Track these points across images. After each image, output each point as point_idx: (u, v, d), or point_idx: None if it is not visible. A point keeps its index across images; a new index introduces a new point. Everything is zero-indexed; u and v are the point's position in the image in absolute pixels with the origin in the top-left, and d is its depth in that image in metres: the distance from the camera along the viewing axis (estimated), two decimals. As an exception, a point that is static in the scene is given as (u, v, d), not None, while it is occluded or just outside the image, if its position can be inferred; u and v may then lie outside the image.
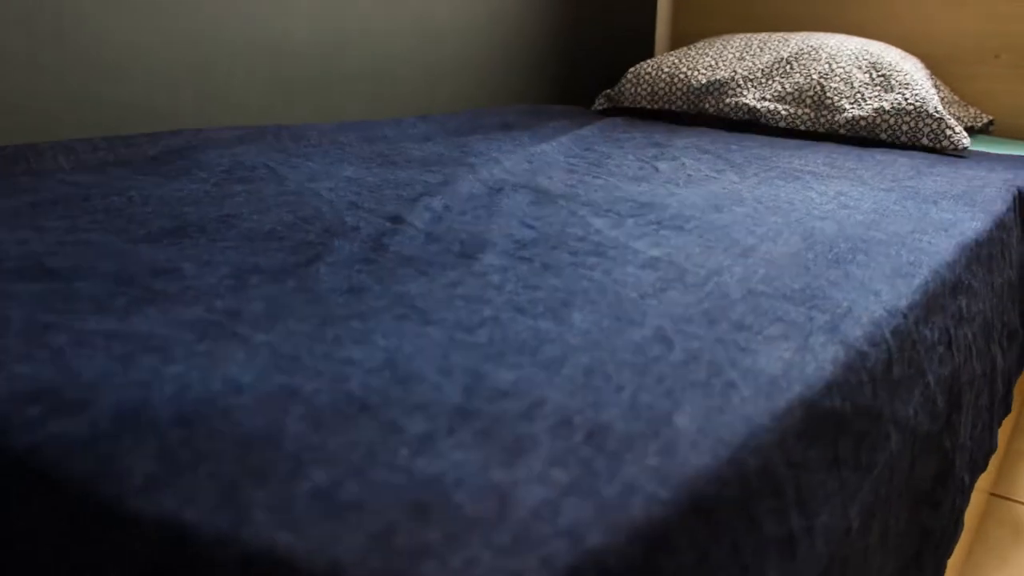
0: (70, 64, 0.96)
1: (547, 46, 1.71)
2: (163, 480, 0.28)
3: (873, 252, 0.67)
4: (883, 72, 1.45)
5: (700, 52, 1.63)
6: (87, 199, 0.70)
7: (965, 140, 1.34)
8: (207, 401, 0.34)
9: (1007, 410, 0.89)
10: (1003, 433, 1.22)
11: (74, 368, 0.37)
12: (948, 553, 0.61)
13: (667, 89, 1.58)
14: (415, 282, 0.51)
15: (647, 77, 1.61)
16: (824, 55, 1.51)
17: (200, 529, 0.25)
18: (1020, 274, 1.01)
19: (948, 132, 1.33)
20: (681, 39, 2.07)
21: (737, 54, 1.59)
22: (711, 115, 1.54)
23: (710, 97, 1.52)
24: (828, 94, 1.44)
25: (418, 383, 0.36)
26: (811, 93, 1.46)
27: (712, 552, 0.28)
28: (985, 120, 1.62)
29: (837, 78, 1.46)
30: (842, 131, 1.41)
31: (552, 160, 0.99)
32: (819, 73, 1.47)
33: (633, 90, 1.61)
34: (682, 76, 1.57)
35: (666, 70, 1.60)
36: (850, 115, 1.40)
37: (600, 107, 1.67)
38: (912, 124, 1.36)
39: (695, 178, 0.96)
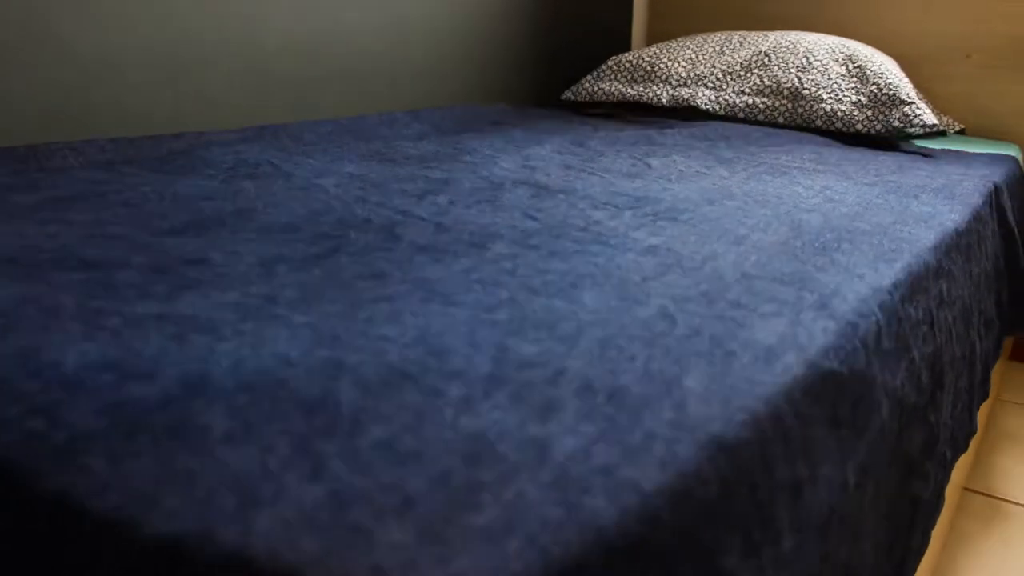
0: (46, 68, 0.97)
1: (523, 45, 1.75)
2: (241, 435, 0.32)
3: (857, 241, 0.72)
4: (859, 64, 1.51)
5: (680, 46, 1.68)
6: (103, 195, 0.74)
7: (932, 119, 1.38)
8: (263, 373, 0.38)
9: (985, 395, 0.95)
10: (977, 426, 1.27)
11: (134, 346, 0.41)
12: (932, 525, 0.66)
13: (646, 78, 1.62)
14: (432, 268, 0.55)
15: (627, 66, 1.65)
16: (802, 49, 1.56)
17: (284, 475, 0.30)
18: (995, 265, 1.07)
19: (918, 113, 1.37)
20: (658, 38, 2.13)
21: (717, 48, 1.65)
22: (688, 109, 1.58)
23: (688, 90, 1.57)
24: (806, 86, 1.49)
25: (451, 355, 0.41)
26: (788, 86, 1.51)
27: (733, 489, 0.32)
28: (957, 128, 1.68)
29: (814, 70, 1.51)
30: (818, 123, 1.46)
31: (547, 157, 1.03)
32: (796, 67, 1.53)
33: (612, 76, 1.65)
34: (662, 67, 1.62)
35: (647, 59, 1.65)
36: (828, 108, 1.46)
37: (574, 96, 1.68)
38: (887, 113, 1.42)
39: (686, 174, 1.01)
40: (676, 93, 1.58)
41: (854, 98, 1.45)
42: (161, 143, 0.97)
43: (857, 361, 0.47)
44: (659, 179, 0.96)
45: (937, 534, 1.03)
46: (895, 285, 0.60)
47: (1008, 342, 1.65)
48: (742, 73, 1.57)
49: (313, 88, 1.30)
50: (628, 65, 1.66)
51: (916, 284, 0.65)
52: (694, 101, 1.56)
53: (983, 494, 1.27)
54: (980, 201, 1.03)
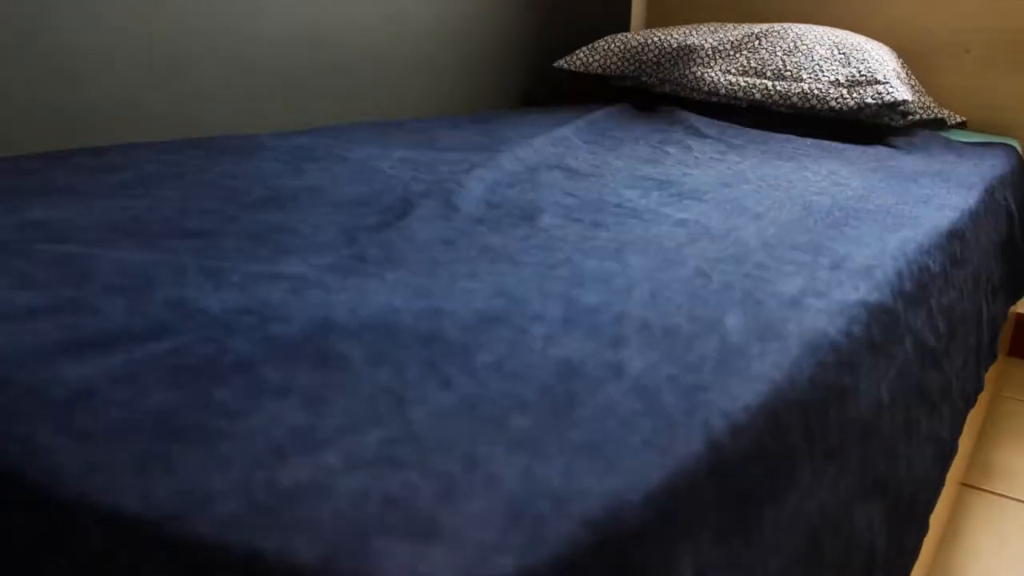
0: (36, 69, 0.96)
1: (519, 43, 1.77)
2: (377, 360, 0.40)
3: (864, 219, 0.80)
4: (844, 50, 1.54)
5: (674, 28, 1.74)
6: (180, 175, 0.82)
7: (903, 95, 1.40)
8: (376, 317, 0.46)
9: (993, 357, 1.03)
10: (973, 423, 1.29)
11: (260, 296, 0.49)
12: (948, 467, 0.74)
13: (639, 51, 1.66)
14: (493, 236, 0.63)
15: (621, 39, 1.70)
16: (792, 34, 1.61)
17: (422, 386, 0.38)
18: (994, 241, 1.15)
19: (890, 91, 1.40)
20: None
21: (710, 29, 1.70)
22: (677, 85, 1.62)
23: (679, 65, 1.61)
24: (788, 67, 1.53)
25: (527, 303, 0.49)
26: (772, 66, 1.54)
27: (783, 384, 0.40)
28: (957, 120, 1.74)
29: (800, 53, 1.54)
30: (794, 100, 1.48)
31: (573, 144, 1.11)
32: (783, 50, 1.57)
33: (606, 48, 1.70)
34: (655, 40, 1.67)
35: (641, 35, 1.71)
36: (806, 87, 1.47)
37: (567, 65, 1.71)
38: (861, 91, 1.43)
39: (702, 160, 1.09)
40: (668, 69, 1.62)
41: (832, 78, 1.48)
42: (214, 139, 1.05)
43: (885, 298, 0.55)
44: (678, 164, 1.04)
45: (935, 529, 1.05)
46: (908, 241, 0.68)
47: (1005, 341, 1.69)
48: (731, 52, 1.61)
49: (310, 85, 1.31)
50: (622, 40, 1.70)
51: (930, 244, 0.73)
52: (681, 80, 1.60)
53: (981, 489, 1.28)
54: (976, 184, 1.12)
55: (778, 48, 1.57)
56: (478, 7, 1.64)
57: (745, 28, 1.67)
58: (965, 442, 1.22)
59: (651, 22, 2.17)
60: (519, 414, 0.35)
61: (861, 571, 0.46)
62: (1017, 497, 1.27)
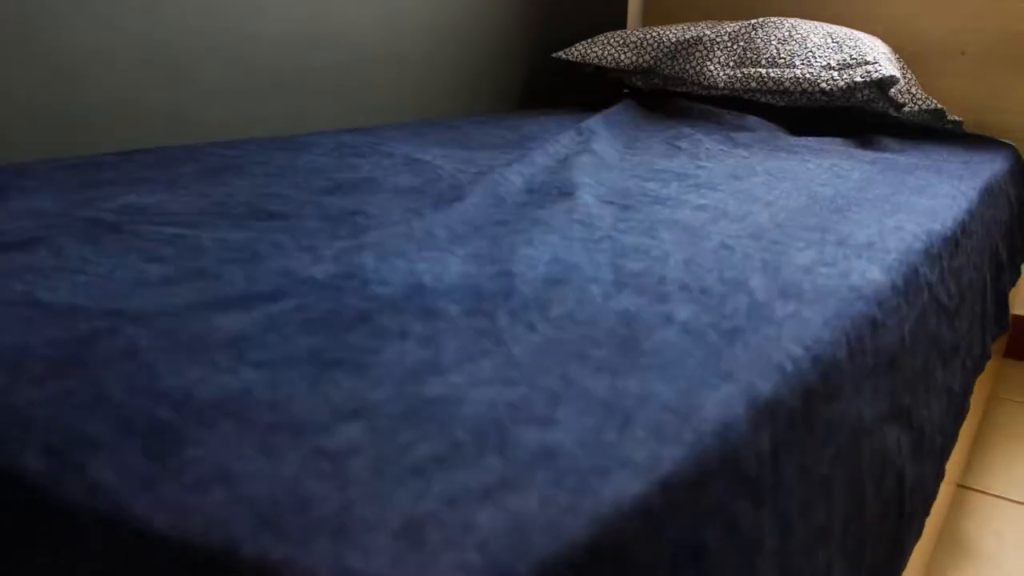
0: (36, 70, 0.99)
1: (518, 43, 1.82)
2: (471, 312, 0.50)
3: (865, 206, 0.90)
4: (837, 39, 1.61)
5: (672, 25, 1.83)
6: (243, 167, 0.91)
7: (889, 71, 1.46)
8: (459, 280, 0.56)
9: (1001, 328, 1.12)
10: (970, 424, 1.33)
11: (355, 264, 0.58)
12: (960, 424, 0.83)
13: (638, 44, 1.74)
14: (539, 214, 0.73)
15: (620, 34, 1.77)
16: (787, 24, 1.70)
17: (512, 330, 0.47)
18: (991, 230, 1.25)
19: (878, 68, 1.46)
20: None
21: (708, 24, 1.79)
22: (676, 79, 1.70)
23: (678, 58, 1.69)
24: (782, 54, 1.59)
25: (581, 269, 0.58)
26: (767, 55, 1.61)
27: (813, 320, 0.50)
28: (954, 118, 1.81)
29: (794, 42, 1.61)
30: (787, 85, 1.54)
31: (594, 141, 1.21)
32: (778, 38, 1.66)
33: (605, 41, 1.76)
34: (654, 35, 1.75)
35: (640, 31, 1.79)
36: (798, 72, 1.54)
37: (566, 56, 1.77)
38: (851, 72, 1.50)
39: (713, 154, 1.19)
40: (664, 65, 1.71)
41: (824, 63, 1.55)
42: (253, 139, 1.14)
43: (903, 256, 0.66)
44: (691, 159, 1.14)
45: (932, 531, 1.08)
46: (911, 220, 0.78)
47: (1002, 343, 1.74)
48: (728, 43, 1.69)
49: (310, 85, 1.35)
50: (622, 34, 1.78)
51: (935, 215, 0.83)
52: (680, 73, 1.69)
53: (978, 491, 1.31)
54: (967, 175, 1.22)
55: (773, 37, 1.64)
56: (476, 6, 1.68)
57: (742, 22, 1.76)
58: (962, 443, 1.27)
59: (648, 22, 2.27)
60: (596, 349, 0.45)
61: (894, 491, 0.56)
62: (1014, 498, 1.29)
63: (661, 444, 0.35)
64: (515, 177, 0.88)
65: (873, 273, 0.62)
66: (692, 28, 1.75)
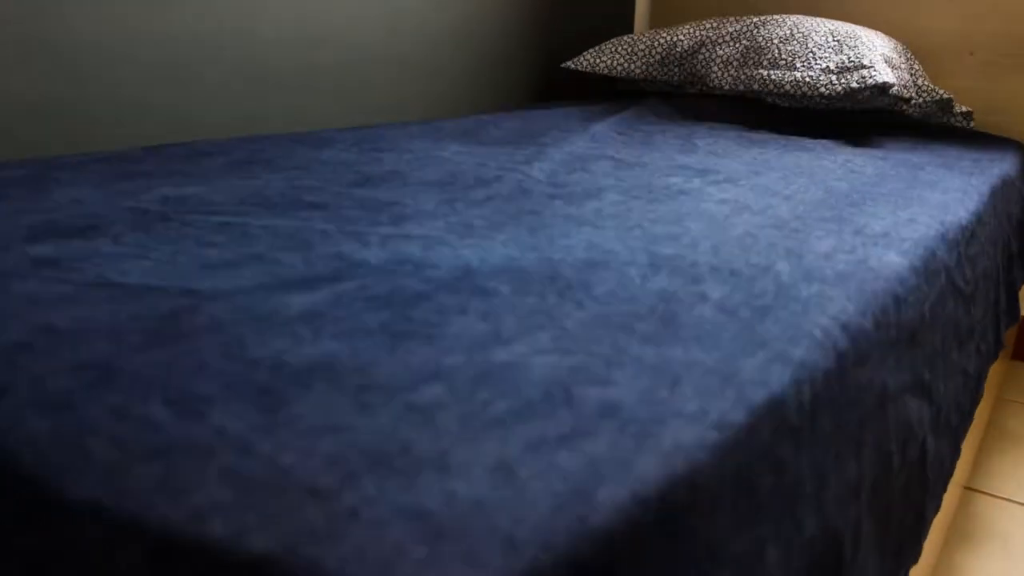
0: (40, 70, 1.03)
1: (522, 43, 1.87)
2: (520, 292, 0.56)
3: (880, 199, 0.97)
4: (839, 38, 1.66)
5: (679, 27, 1.89)
6: (270, 160, 0.98)
7: (886, 77, 1.51)
8: (504, 263, 0.62)
9: (1012, 319, 1.19)
10: (976, 428, 1.39)
11: (402, 251, 0.65)
12: (978, 401, 0.89)
13: (646, 52, 1.81)
14: (569, 208, 0.79)
15: (627, 41, 1.84)
16: (790, 22, 1.76)
17: (562, 307, 0.54)
18: (1002, 224, 1.33)
19: (873, 75, 1.52)
20: None
21: (713, 24, 1.85)
22: (683, 84, 1.77)
23: (684, 64, 1.76)
24: (783, 55, 1.65)
25: (618, 254, 0.65)
26: (769, 55, 1.66)
27: (835, 297, 0.57)
28: (964, 109, 1.83)
29: (795, 40, 1.67)
30: (787, 87, 1.61)
31: (610, 138, 1.28)
32: (780, 37, 1.71)
33: (612, 49, 1.82)
34: (661, 40, 1.82)
35: (646, 35, 1.86)
36: (799, 75, 1.60)
37: (575, 66, 1.83)
38: (848, 77, 1.55)
39: (730, 151, 1.26)
40: (671, 72, 1.78)
41: (823, 65, 1.60)
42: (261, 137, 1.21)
43: (921, 240, 0.73)
44: (709, 155, 1.20)
45: (937, 533, 1.12)
46: (927, 211, 0.85)
47: (1010, 341, 1.80)
48: (730, 42, 1.75)
49: (313, 85, 1.40)
50: (628, 41, 1.85)
51: (951, 204, 0.90)
52: (688, 78, 1.76)
53: (984, 493, 1.35)
54: (976, 172, 1.29)
55: (775, 36, 1.69)
56: (480, 7, 1.74)
57: (745, 20, 1.82)
58: (968, 445, 1.32)
59: (655, 19, 2.33)
60: (639, 323, 0.51)
61: (917, 461, 0.62)
62: (1020, 500, 1.32)
63: (710, 399, 0.42)
64: (538, 173, 0.95)
65: (890, 257, 0.69)
66: (698, 30, 1.82)
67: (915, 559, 0.69)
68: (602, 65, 1.82)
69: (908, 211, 0.90)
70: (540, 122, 1.41)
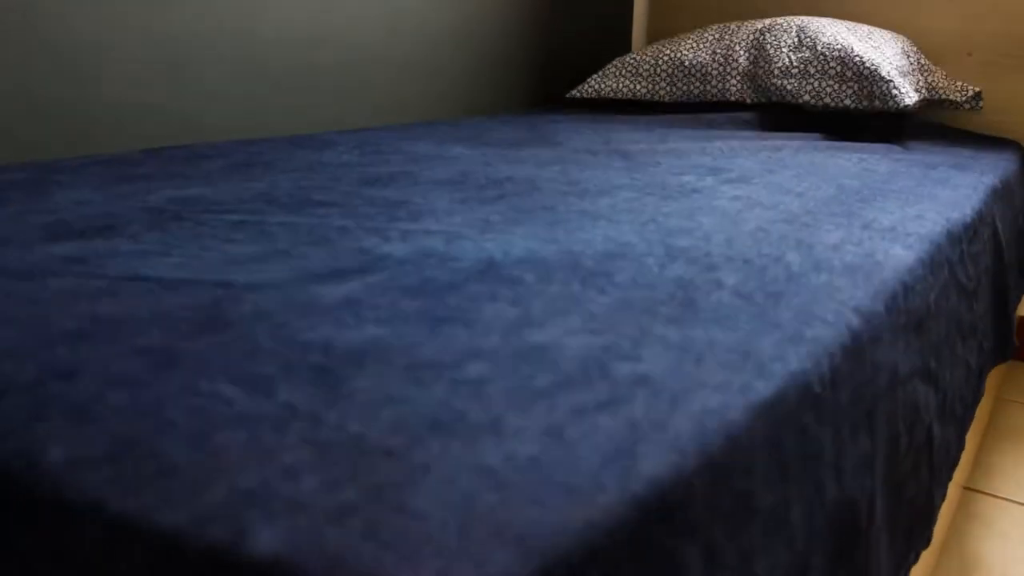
0: (40, 71, 1.09)
1: (521, 46, 1.97)
2: (545, 280, 0.64)
3: (890, 196, 1.06)
4: (847, 43, 1.76)
5: (680, 39, 1.99)
6: (270, 163, 1.05)
7: (907, 100, 1.61)
8: (525, 255, 0.70)
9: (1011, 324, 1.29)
10: (976, 428, 1.48)
11: (425, 245, 0.72)
12: (977, 397, 0.98)
13: (651, 72, 1.91)
14: (584, 203, 0.87)
15: (631, 63, 1.95)
16: (795, 26, 1.85)
17: (586, 293, 0.61)
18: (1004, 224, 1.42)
19: (895, 93, 1.62)
20: (658, 37, 2.44)
21: (716, 36, 1.94)
22: (691, 98, 1.87)
23: (691, 82, 1.86)
24: (795, 64, 1.75)
25: (635, 246, 0.73)
26: (779, 64, 1.76)
27: (843, 286, 0.65)
28: (972, 92, 1.92)
29: (805, 48, 1.77)
30: (806, 98, 1.72)
31: (621, 137, 1.36)
32: (788, 46, 1.78)
33: (617, 74, 1.93)
34: (666, 55, 1.92)
35: (648, 53, 1.95)
36: (817, 85, 1.71)
37: (580, 94, 1.94)
38: (868, 89, 1.65)
39: (747, 148, 1.35)
40: (679, 89, 1.88)
41: (838, 73, 1.70)
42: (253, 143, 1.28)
43: (927, 235, 0.81)
44: (723, 155, 1.29)
45: (937, 532, 1.17)
46: (933, 207, 0.94)
47: None
48: (741, 52, 1.84)
49: (313, 85, 1.47)
50: (632, 62, 1.95)
51: (956, 203, 0.98)
52: (696, 94, 1.86)
53: (984, 493, 1.41)
54: (988, 171, 1.38)
55: (783, 44, 1.80)
56: (480, 8, 1.83)
57: (749, 26, 1.91)
58: (968, 446, 1.40)
59: (653, 19, 2.43)
60: (661, 307, 0.59)
61: (924, 444, 0.70)
62: (1020, 500, 1.39)
63: (733, 372, 0.50)
64: (549, 172, 1.03)
65: (896, 251, 0.77)
66: (700, 44, 1.90)
67: (926, 543, 0.77)
68: (607, 89, 1.91)
69: (916, 207, 0.99)
70: (548, 124, 1.49)
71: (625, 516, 0.37)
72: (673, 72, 1.88)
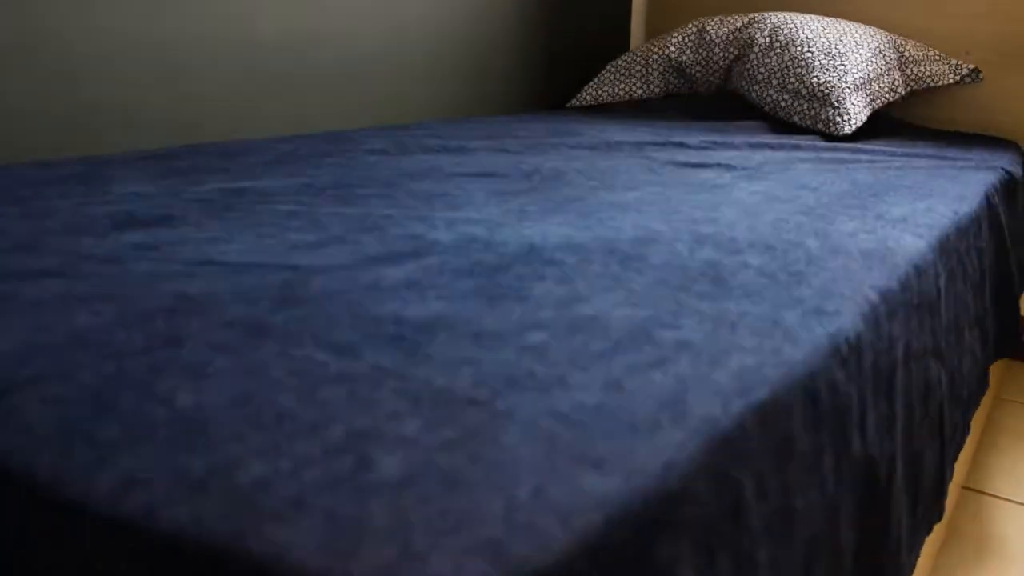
0: (36, 75, 1.14)
1: (523, 43, 2.04)
2: (584, 262, 0.72)
3: (901, 190, 1.14)
4: (812, 51, 1.82)
5: (672, 36, 2.07)
6: (307, 158, 1.13)
7: (845, 128, 1.66)
8: (564, 241, 0.78)
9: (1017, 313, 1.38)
10: (975, 428, 1.55)
11: (469, 232, 0.80)
12: (982, 388, 1.07)
13: (644, 72, 1.99)
14: (611, 195, 0.95)
15: (624, 64, 2.03)
16: (770, 24, 1.91)
17: (622, 275, 0.69)
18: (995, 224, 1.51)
19: (838, 120, 1.67)
20: (656, 35, 2.52)
21: (695, 27, 2.02)
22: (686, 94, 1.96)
23: (686, 80, 1.95)
24: (760, 68, 1.84)
25: (663, 233, 0.81)
26: (748, 64, 1.87)
27: (857, 270, 0.73)
28: (967, 69, 1.99)
29: (773, 53, 1.85)
30: (766, 108, 1.82)
31: (640, 136, 1.45)
32: (760, 46, 1.87)
33: (612, 78, 2.02)
34: (655, 53, 2.00)
35: (639, 53, 2.04)
36: (774, 95, 1.80)
37: (579, 103, 2.03)
38: (816, 110, 1.71)
39: (764, 144, 1.43)
40: (675, 87, 1.97)
41: (793, 87, 1.76)
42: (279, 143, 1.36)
43: (935, 225, 0.89)
44: (740, 152, 1.37)
45: (938, 532, 1.22)
46: (940, 203, 1.02)
47: None
48: (717, 50, 1.93)
49: (311, 88, 1.53)
50: (624, 65, 2.04)
51: (962, 199, 1.07)
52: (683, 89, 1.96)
53: (983, 493, 1.45)
54: (991, 170, 1.47)
55: (756, 45, 1.88)
56: (480, 8, 1.90)
57: (731, 23, 1.98)
58: (968, 445, 1.46)
59: (652, 19, 2.51)
60: (694, 284, 0.67)
61: (936, 418, 0.78)
62: (1019, 500, 1.42)
63: (764, 338, 0.58)
64: (572, 167, 1.11)
65: (907, 239, 0.85)
66: (691, 44, 1.98)
67: (939, 516, 0.85)
68: (605, 95, 1.99)
69: (926, 201, 1.07)
70: (565, 124, 1.58)
71: (686, 444, 0.45)
72: (665, 71, 1.97)
